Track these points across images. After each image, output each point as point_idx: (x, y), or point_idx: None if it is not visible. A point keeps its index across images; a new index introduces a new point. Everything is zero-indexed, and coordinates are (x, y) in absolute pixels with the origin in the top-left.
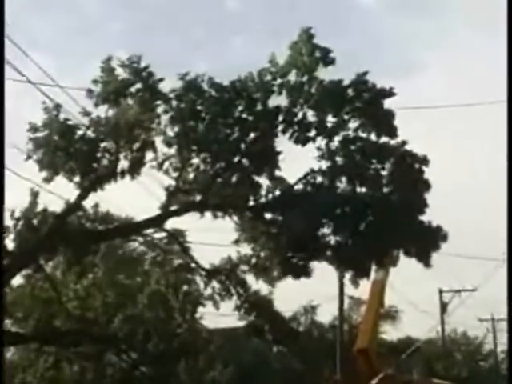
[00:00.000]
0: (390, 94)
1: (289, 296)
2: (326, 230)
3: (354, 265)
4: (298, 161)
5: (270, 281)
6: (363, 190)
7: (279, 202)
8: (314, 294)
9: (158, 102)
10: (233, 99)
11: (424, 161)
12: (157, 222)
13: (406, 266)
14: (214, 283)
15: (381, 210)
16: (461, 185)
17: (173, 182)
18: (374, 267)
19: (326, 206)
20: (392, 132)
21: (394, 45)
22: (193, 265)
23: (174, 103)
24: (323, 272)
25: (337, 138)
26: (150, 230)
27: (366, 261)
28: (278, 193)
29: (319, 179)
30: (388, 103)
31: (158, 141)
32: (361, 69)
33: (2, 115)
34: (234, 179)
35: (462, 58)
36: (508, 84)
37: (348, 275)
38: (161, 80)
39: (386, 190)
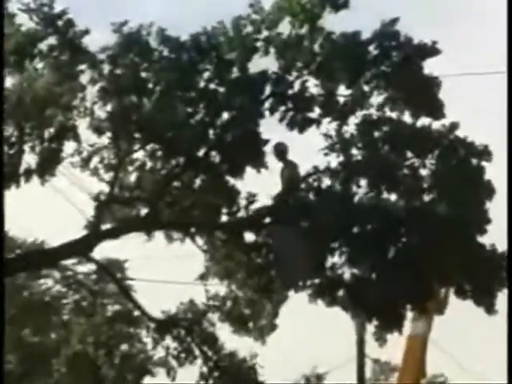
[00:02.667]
0: (432, 51)
1: (283, 359)
2: (337, 259)
3: (379, 311)
4: (294, 155)
5: (255, 335)
6: (393, 197)
7: (266, 216)
8: (320, 354)
9: (82, 67)
10: (196, 62)
11: (484, 153)
12: (81, 248)
13: (457, 311)
14: (169, 340)
15: (420, 227)
16: None
17: (105, 188)
18: (409, 315)
19: (337, 221)
20: (436, 111)
21: None
22: (136, 313)
23: (107, 68)
24: (334, 321)
25: (353, 120)
26: (70, 261)
27: (397, 305)
28: (264, 202)
29: (326, 182)
30: (430, 66)
31: (83, 125)
32: (388, 14)
33: (2, 116)
34: (197, 182)
35: None
36: (508, 83)
37: (371, 327)
38: (86, 33)
39: (427, 197)
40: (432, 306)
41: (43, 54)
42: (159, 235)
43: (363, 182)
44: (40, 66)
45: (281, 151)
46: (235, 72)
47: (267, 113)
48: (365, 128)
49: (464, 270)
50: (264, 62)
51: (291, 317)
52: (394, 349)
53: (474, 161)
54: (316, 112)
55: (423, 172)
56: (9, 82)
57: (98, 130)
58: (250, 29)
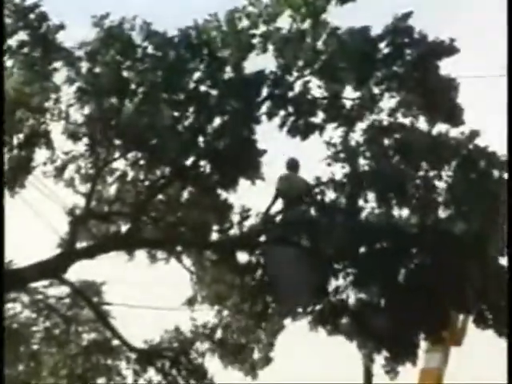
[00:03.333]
0: (450, 50)
1: None
2: (341, 282)
3: (389, 340)
4: None
5: (246, 368)
6: (404, 213)
7: (262, 233)
8: None
9: (57, 65)
10: (184, 60)
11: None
12: (53, 268)
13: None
14: (152, 373)
15: (434, 247)
16: None
17: (81, 201)
18: (423, 346)
19: (341, 240)
20: (454, 116)
21: None
22: (115, 342)
23: (85, 66)
24: (337, 353)
25: (360, 127)
26: (41, 283)
27: (409, 334)
28: (259, 219)
29: (330, 195)
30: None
31: (57, 130)
32: (400, 8)
33: (2, 116)
34: (185, 195)
35: None
36: (508, 82)
37: (380, 359)
38: (61, 27)
39: (443, 214)
40: (448, 336)
41: (13, 50)
42: (141, 255)
43: (371, 196)
44: (9, 63)
45: (293, 166)
46: (229, 72)
47: (264, 118)
48: (374, 135)
49: (484, 296)
50: (261, 61)
51: (288, 348)
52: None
53: (496, 173)
54: (319, 117)
55: (439, 185)
56: None
57: (74, 136)
58: (245, 23)
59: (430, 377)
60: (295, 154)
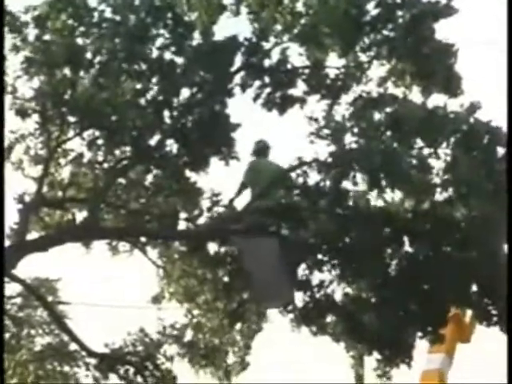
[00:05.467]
0: (447, 10)
1: None
2: (326, 275)
3: (380, 341)
4: (272, 143)
5: (219, 375)
6: (397, 196)
7: (235, 221)
8: None
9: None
10: (146, 25)
11: None
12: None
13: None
14: (114, 380)
15: (431, 234)
16: None
17: (32, 186)
18: (423, 344)
19: (326, 227)
20: (453, 86)
21: None
22: (73, 346)
23: (33, 33)
24: (323, 355)
25: (346, 99)
26: None
27: (403, 334)
28: (233, 205)
29: (314, 177)
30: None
31: (5, 106)
32: None
33: (2, 115)
34: (149, 179)
35: None
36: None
37: (372, 360)
38: None
39: (440, 196)
40: (454, 333)
41: None
42: (101, 247)
43: (360, 178)
44: None
45: (262, 150)
46: (197, 38)
47: (238, 89)
48: (361, 108)
49: (487, 289)
50: (234, 25)
51: (267, 352)
52: None
53: (500, 150)
54: (300, 88)
55: (436, 164)
56: None
57: (22, 112)
58: None
59: (432, 378)
60: (273, 131)
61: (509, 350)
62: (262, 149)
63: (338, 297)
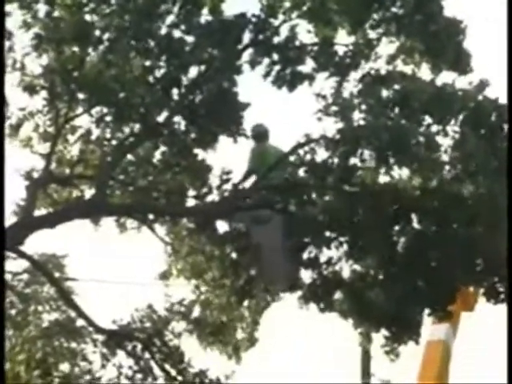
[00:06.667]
0: None
1: (265, 380)
2: (334, 252)
3: (388, 318)
4: (280, 120)
5: (228, 351)
6: (405, 173)
7: (243, 198)
8: (312, 375)
9: (10, 8)
10: (155, 3)
11: None
12: (8, 240)
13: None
14: (122, 357)
15: (439, 212)
16: None
17: (40, 163)
18: (428, 317)
19: (333, 204)
20: (462, 64)
21: None
22: (80, 322)
23: (43, 9)
24: (330, 332)
25: (355, 76)
26: None
27: (411, 311)
28: (241, 182)
29: (322, 155)
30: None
31: (11, 82)
32: None
33: (2, 115)
34: (157, 156)
35: None
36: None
37: (378, 335)
38: None
39: (448, 174)
40: (458, 303)
41: None
42: (109, 223)
43: (367, 155)
44: None
45: (260, 135)
46: (206, 15)
47: (247, 67)
48: (370, 86)
49: (495, 266)
50: (242, 3)
51: (276, 327)
52: (408, 365)
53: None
54: (309, 65)
55: (444, 142)
56: None
57: (31, 89)
58: None
59: (436, 350)
60: (282, 108)
61: (509, 350)
62: (260, 133)
63: (345, 274)
